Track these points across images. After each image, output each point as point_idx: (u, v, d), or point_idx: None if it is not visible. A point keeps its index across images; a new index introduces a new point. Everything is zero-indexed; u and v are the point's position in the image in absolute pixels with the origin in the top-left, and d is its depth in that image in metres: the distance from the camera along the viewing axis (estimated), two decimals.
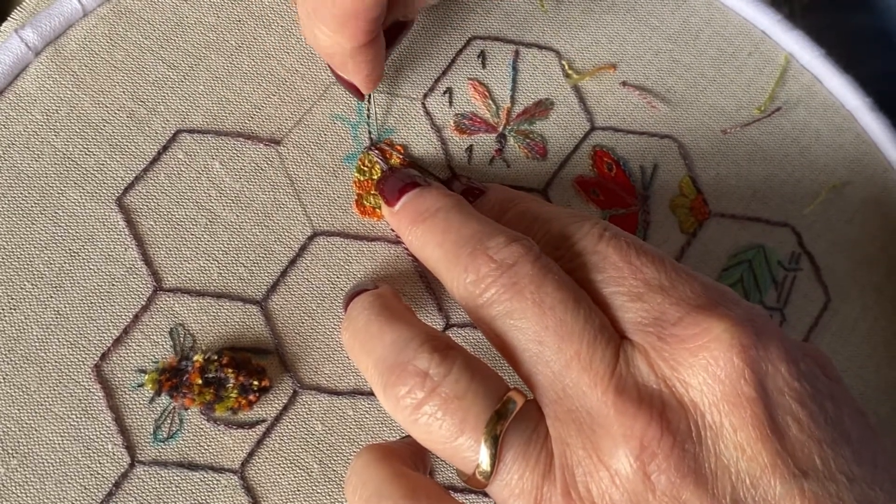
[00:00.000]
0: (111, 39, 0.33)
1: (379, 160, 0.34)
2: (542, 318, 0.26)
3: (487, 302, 0.27)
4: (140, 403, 0.32)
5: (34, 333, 0.31)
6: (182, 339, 0.32)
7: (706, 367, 0.25)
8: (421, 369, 0.26)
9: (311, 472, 0.32)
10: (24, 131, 0.32)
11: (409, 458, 0.28)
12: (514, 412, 0.25)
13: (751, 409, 0.24)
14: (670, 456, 0.24)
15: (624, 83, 0.38)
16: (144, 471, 0.31)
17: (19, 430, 0.31)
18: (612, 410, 0.25)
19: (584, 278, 0.28)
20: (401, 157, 0.35)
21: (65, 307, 0.32)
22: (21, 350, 0.31)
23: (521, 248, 0.27)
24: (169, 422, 0.32)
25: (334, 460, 0.33)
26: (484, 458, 0.25)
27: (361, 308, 0.30)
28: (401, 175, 0.33)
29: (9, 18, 0.34)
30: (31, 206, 0.32)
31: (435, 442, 0.26)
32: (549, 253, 0.28)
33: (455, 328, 0.34)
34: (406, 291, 0.34)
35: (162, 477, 0.31)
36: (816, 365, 0.26)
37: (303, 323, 0.33)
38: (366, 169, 0.34)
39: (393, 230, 0.34)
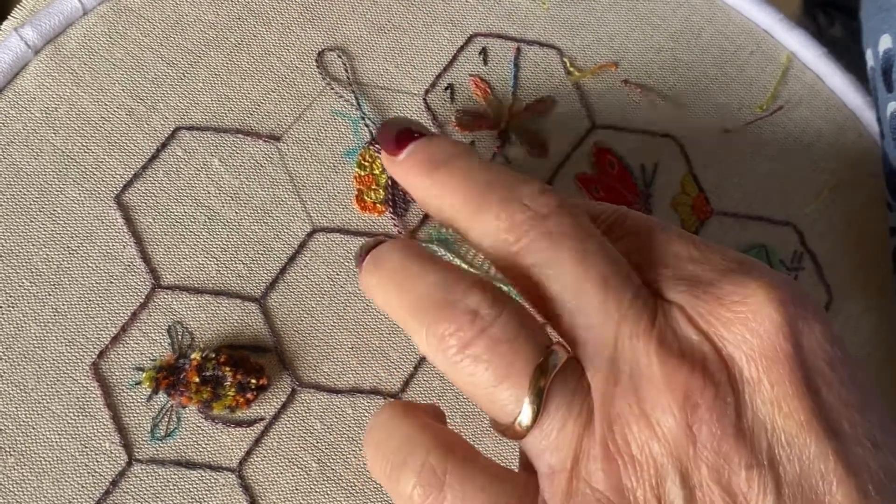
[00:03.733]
0: (110, 38, 0.33)
1: (379, 155, 0.34)
2: (584, 271, 0.25)
3: (522, 251, 0.26)
4: (137, 401, 0.31)
5: (32, 331, 0.31)
6: (180, 336, 0.32)
7: (745, 322, 0.24)
8: (472, 308, 0.25)
9: (310, 470, 0.32)
10: (24, 129, 0.32)
11: (432, 416, 0.27)
12: (557, 365, 0.24)
13: (788, 365, 0.24)
14: (713, 408, 0.23)
15: (625, 81, 0.38)
16: (142, 469, 0.31)
17: (17, 428, 0.31)
18: (655, 361, 0.24)
19: None
20: None
21: (63, 305, 0.31)
22: (19, 348, 0.31)
23: (555, 199, 0.26)
24: (166, 420, 0.32)
25: (333, 459, 0.32)
26: (526, 408, 0.24)
27: (394, 250, 0.28)
28: (401, 120, 0.31)
29: (9, 17, 0.34)
30: (30, 204, 0.32)
31: (475, 386, 0.25)
32: None
33: None
34: None
35: (159, 475, 0.31)
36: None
37: (302, 321, 0.33)
38: (367, 164, 0.34)
39: (396, 223, 0.34)
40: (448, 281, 0.26)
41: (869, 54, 0.40)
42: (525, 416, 0.24)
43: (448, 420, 0.33)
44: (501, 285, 0.26)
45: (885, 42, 0.40)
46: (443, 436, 0.25)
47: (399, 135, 0.30)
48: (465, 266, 0.33)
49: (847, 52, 0.43)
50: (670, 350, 0.24)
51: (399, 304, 0.27)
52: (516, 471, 0.26)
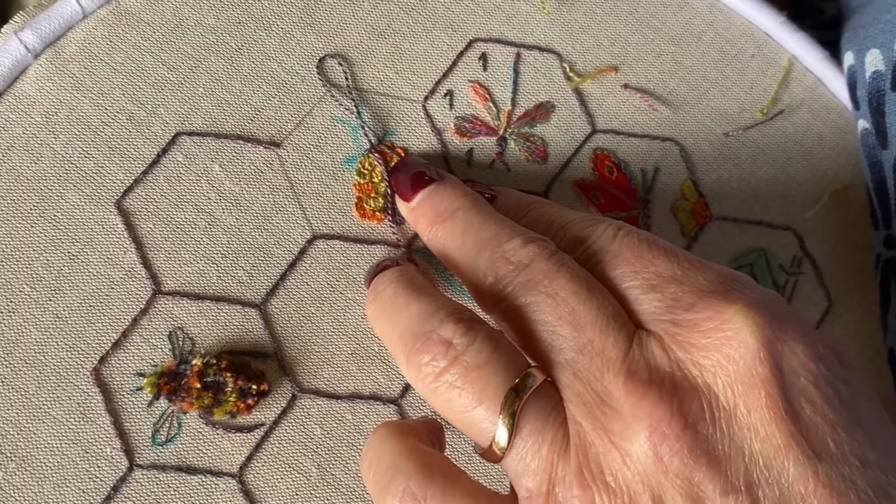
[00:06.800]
0: (111, 42, 0.33)
1: (379, 163, 0.34)
2: (556, 309, 0.26)
3: (508, 297, 0.28)
4: (139, 407, 0.32)
5: (33, 337, 0.31)
6: (181, 342, 0.32)
7: (720, 349, 0.25)
8: (445, 338, 0.26)
9: (310, 476, 0.32)
10: (24, 134, 0.32)
11: (425, 435, 0.28)
12: (532, 387, 0.25)
13: (765, 389, 0.24)
14: (682, 437, 0.24)
15: (625, 85, 0.37)
16: (143, 474, 0.31)
17: (18, 434, 0.31)
18: (622, 392, 0.25)
19: (601, 276, 0.28)
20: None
21: (63, 310, 0.32)
22: (19, 353, 0.31)
23: (536, 248, 0.28)
24: (167, 425, 0.32)
25: (333, 464, 0.33)
26: (501, 430, 0.25)
27: (388, 281, 0.30)
28: (412, 166, 0.33)
29: (10, 21, 0.34)
30: (30, 209, 0.32)
31: (453, 411, 0.26)
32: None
33: None
34: None
35: (160, 481, 0.31)
36: (832, 350, 0.26)
37: (302, 326, 0.33)
38: (366, 172, 0.34)
39: (394, 231, 0.34)
40: (428, 312, 0.27)
41: (849, 56, 0.40)
42: (500, 437, 0.25)
43: (447, 426, 0.33)
44: None
45: (848, 59, 0.40)
46: (428, 460, 0.26)
47: (413, 179, 0.32)
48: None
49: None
50: (639, 380, 0.25)
51: (389, 334, 0.29)
52: (502, 493, 0.27)
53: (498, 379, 0.26)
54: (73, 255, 0.32)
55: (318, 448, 0.33)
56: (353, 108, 0.35)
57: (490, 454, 0.26)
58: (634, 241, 0.28)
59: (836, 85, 0.40)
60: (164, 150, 0.33)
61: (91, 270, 0.32)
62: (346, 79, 0.35)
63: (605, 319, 0.26)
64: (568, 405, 0.26)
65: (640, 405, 0.24)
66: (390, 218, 0.34)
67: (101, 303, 0.32)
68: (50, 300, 0.32)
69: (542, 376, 0.26)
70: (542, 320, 0.27)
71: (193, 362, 0.31)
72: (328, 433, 0.33)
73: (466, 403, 0.26)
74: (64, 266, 0.32)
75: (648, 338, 0.26)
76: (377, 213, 0.34)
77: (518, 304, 0.27)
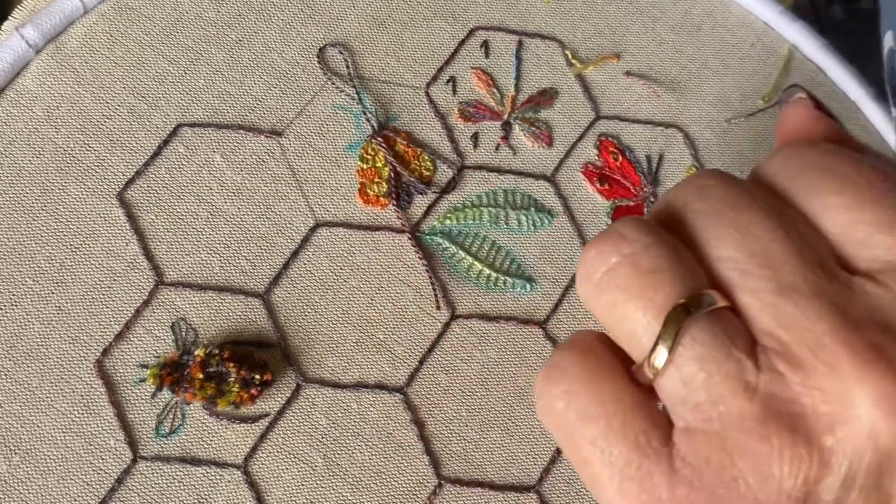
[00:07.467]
0: (112, 36, 0.33)
1: (382, 148, 0.34)
2: (745, 244, 0.22)
3: (680, 225, 0.23)
4: (142, 398, 0.31)
5: (35, 329, 0.31)
6: (184, 333, 0.32)
7: None
8: (623, 234, 0.22)
9: (315, 466, 0.32)
10: (26, 128, 0.32)
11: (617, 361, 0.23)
12: (707, 308, 0.21)
13: None
14: None
15: (628, 73, 0.37)
16: (147, 466, 0.31)
17: (21, 427, 0.30)
18: (841, 349, 0.20)
19: (805, 208, 0.23)
20: (405, 143, 0.34)
21: (66, 303, 0.31)
22: (22, 346, 0.31)
23: (718, 178, 0.23)
24: (171, 417, 0.31)
25: (338, 454, 0.32)
26: (661, 349, 0.21)
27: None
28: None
29: (10, 17, 0.34)
30: (33, 203, 0.32)
31: (613, 319, 0.22)
32: None
33: (461, 319, 0.34)
34: (410, 281, 0.33)
35: (164, 472, 0.31)
36: None
37: (305, 315, 0.33)
38: (369, 157, 0.34)
39: (399, 216, 0.34)
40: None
41: (888, 37, 0.39)
42: (658, 357, 0.21)
43: (454, 414, 0.33)
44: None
45: (888, 41, 0.39)
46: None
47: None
48: (469, 259, 0.33)
49: (847, 36, 0.42)
50: (865, 341, 0.20)
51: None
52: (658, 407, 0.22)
53: (671, 289, 0.21)
54: (76, 248, 0.32)
55: (323, 438, 0.32)
56: (355, 95, 0.35)
57: (641, 373, 0.22)
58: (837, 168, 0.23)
59: (836, 73, 0.40)
60: (166, 142, 0.33)
61: (93, 262, 0.32)
62: (348, 67, 0.35)
63: (811, 263, 0.21)
64: (766, 352, 0.21)
65: (866, 369, 0.20)
66: (394, 203, 0.34)
67: (103, 295, 0.32)
68: (52, 293, 0.31)
69: (724, 302, 0.22)
70: (731, 256, 0.22)
71: (196, 353, 0.31)
72: (333, 423, 0.32)
73: (630, 310, 0.22)
74: (66, 258, 0.32)
75: (869, 284, 0.21)
76: (381, 198, 0.34)
77: (695, 234, 0.23)
